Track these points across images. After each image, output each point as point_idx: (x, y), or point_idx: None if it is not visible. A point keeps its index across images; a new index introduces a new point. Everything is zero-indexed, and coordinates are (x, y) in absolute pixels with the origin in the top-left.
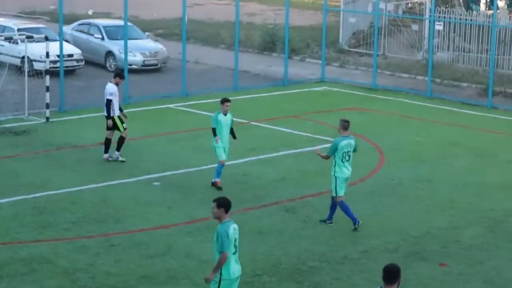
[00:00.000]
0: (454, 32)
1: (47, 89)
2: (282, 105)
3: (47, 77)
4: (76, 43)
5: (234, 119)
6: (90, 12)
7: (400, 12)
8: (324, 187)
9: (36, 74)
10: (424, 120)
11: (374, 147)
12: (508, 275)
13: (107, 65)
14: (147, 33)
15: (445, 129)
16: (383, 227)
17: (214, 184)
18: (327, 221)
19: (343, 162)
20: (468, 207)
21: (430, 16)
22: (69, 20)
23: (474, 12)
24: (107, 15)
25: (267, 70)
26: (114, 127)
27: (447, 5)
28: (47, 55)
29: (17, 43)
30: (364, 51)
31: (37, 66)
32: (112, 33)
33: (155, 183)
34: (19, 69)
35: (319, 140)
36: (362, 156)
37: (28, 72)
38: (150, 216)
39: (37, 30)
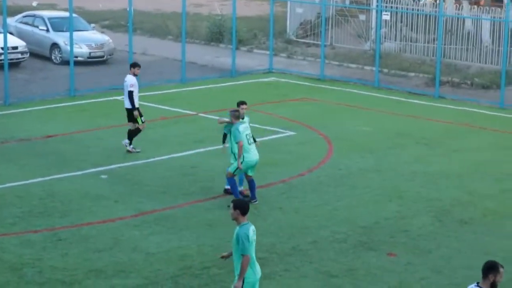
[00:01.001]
0: (401, 22)
1: None
2: (230, 96)
3: None
4: (20, 35)
5: (182, 110)
6: (34, 4)
7: (347, 2)
8: (273, 178)
9: None
10: (372, 110)
11: (322, 137)
12: (456, 263)
13: (53, 57)
14: (92, 25)
15: (393, 119)
16: (331, 218)
17: (241, 193)
18: (252, 201)
19: (249, 145)
20: (416, 196)
21: (377, 6)
22: (13, 12)
23: (421, 2)
24: (52, 7)
25: (215, 61)
26: (133, 119)
27: None
28: None
29: None
30: (312, 41)
31: None
32: (57, 25)
33: (103, 176)
34: None
35: (268, 131)
36: (310, 146)
37: None
38: (98, 209)
39: None
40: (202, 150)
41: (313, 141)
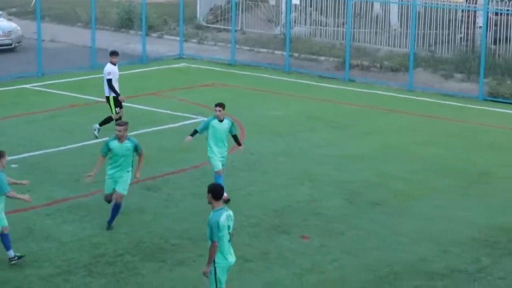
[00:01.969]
0: (311, 6)
1: None
2: (141, 82)
3: None
4: None
5: (93, 98)
6: None
7: None
8: (185, 164)
9: None
10: (283, 95)
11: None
12: (368, 244)
13: None
14: None
15: (304, 103)
16: (244, 202)
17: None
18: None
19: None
20: (327, 179)
21: None
22: None
23: None
24: None
25: (125, 48)
26: (118, 104)
27: None
28: None
29: None
30: (222, 26)
31: None
32: None
33: (13, 166)
34: None
35: (179, 117)
36: None
37: None
38: (9, 199)
39: None
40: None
41: None
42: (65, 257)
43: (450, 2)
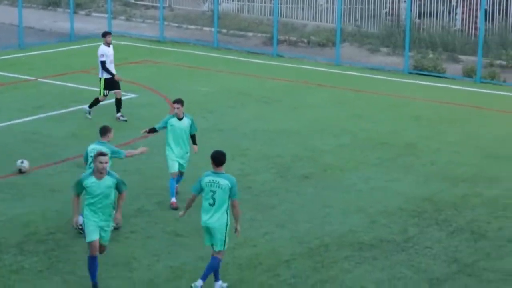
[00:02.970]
0: None
1: None
2: (70, 60)
3: None
4: None
5: (21, 76)
6: None
7: None
8: (117, 141)
9: None
10: (212, 71)
11: (163, 99)
12: (298, 217)
13: None
14: None
15: (233, 78)
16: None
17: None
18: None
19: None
20: (257, 154)
21: None
22: None
23: None
24: None
25: (53, 26)
26: (108, 87)
27: None
28: None
29: None
30: (150, 3)
31: None
32: None
33: None
34: None
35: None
36: (152, 108)
37: None
38: None
39: None
40: (42, 115)
41: (155, 103)
42: (4, 234)
43: None
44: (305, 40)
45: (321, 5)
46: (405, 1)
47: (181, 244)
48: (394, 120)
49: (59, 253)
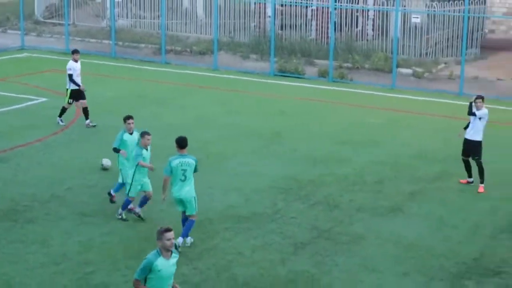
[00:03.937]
0: (131, 2)
1: None
2: None
3: None
4: None
5: None
6: None
7: None
8: (31, 138)
9: None
10: (112, 77)
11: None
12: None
13: None
14: None
15: (130, 84)
16: (83, 168)
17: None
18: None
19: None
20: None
21: None
22: None
23: None
24: None
25: None
26: (73, 97)
27: None
28: None
29: None
30: (57, 21)
31: None
32: None
33: None
34: None
35: (24, 99)
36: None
37: None
38: None
39: None
40: None
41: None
42: None
43: None
44: (188, 50)
45: (201, 20)
46: (269, 16)
47: (88, 223)
48: (264, 114)
49: None
